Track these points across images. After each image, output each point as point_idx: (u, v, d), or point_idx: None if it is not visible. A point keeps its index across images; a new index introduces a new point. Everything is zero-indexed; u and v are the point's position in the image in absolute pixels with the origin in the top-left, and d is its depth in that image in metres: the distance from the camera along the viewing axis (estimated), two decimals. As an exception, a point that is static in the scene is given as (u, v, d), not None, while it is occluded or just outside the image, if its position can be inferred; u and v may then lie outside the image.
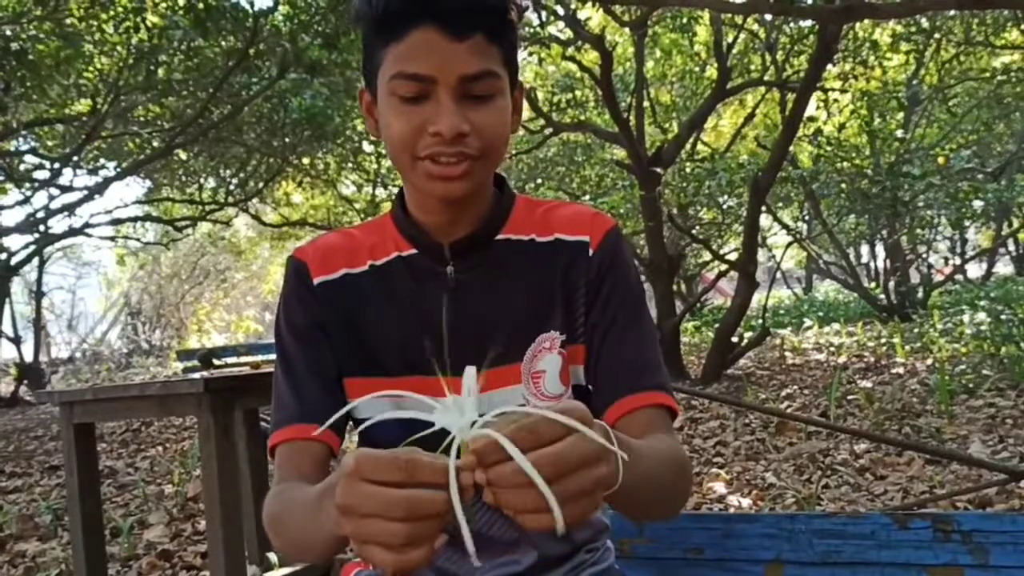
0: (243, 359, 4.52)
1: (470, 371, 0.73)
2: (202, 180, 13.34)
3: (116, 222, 13.59)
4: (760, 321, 8.33)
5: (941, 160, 10.92)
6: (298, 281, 1.12)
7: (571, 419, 0.68)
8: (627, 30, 8.80)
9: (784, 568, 1.14)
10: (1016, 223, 16.07)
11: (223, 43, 8.93)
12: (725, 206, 10.90)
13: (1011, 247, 19.06)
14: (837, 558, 1.10)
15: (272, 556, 3.07)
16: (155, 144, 10.42)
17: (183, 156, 11.94)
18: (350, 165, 13.47)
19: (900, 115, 12.78)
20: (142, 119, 10.69)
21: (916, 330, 9.72)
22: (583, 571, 1.13)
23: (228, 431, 2.43)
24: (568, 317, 1.10)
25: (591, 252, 1.11)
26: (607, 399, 1.06)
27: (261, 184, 12.87)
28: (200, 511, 4.30)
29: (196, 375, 2.77)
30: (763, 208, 7.97)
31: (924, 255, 15.11)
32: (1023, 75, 12.70)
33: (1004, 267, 20.37)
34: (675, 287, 10.98)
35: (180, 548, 3.80)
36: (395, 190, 14.42)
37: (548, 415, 0.68)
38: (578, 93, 11.21)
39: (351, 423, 1.14)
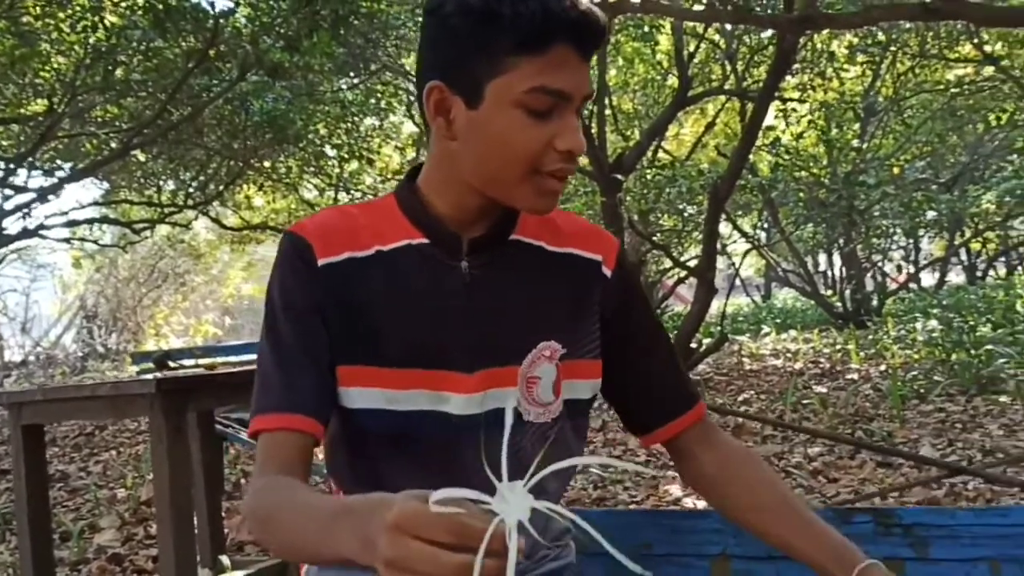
0: (200, 361, 4.48)
1: (518, 488, 0.68)
2: (161, 182, 13.17)
3: (72, 224, 13.34)
4: (719, 328, 8.40)
5: (896, 170, 11.12)
6: (299, 261, 1.07)
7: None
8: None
9: (731, 562, 1.16)
10: (968, 233, 16.38)
11: (183, 44, 8.84)
12: (686, 214, 11.00)
13: (963, 257, 19.42)
14: (782, 552, 1.12)
15: (224, 559, 3.03)
16: (113, 145, 10.28)
17: (141, 158, 11.78)
18: (312, 169, 13.38)
19: (856, 126, 12.99)
20: (99, 120, 10.54)
21: (871, 337, 9.88)
22: (545, 563, 1.15)
23: (180, 433, 2.40)
24: (575, 332, 1.12)
25: (607, 272, 1.15)
26: (662, 419, 1.17)
27: (221, 187, 12.73)
28: (153, 515, 4.25)
29: (149, 376, 2.74)
30: (722, 216, 8.05)
31: (879, 264, 15.36)
32: (976, 88, 12.97)
33: (956, 276, 20.75)
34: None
35: (131, 552, 3.75)
36: (358, 195, 14.32)
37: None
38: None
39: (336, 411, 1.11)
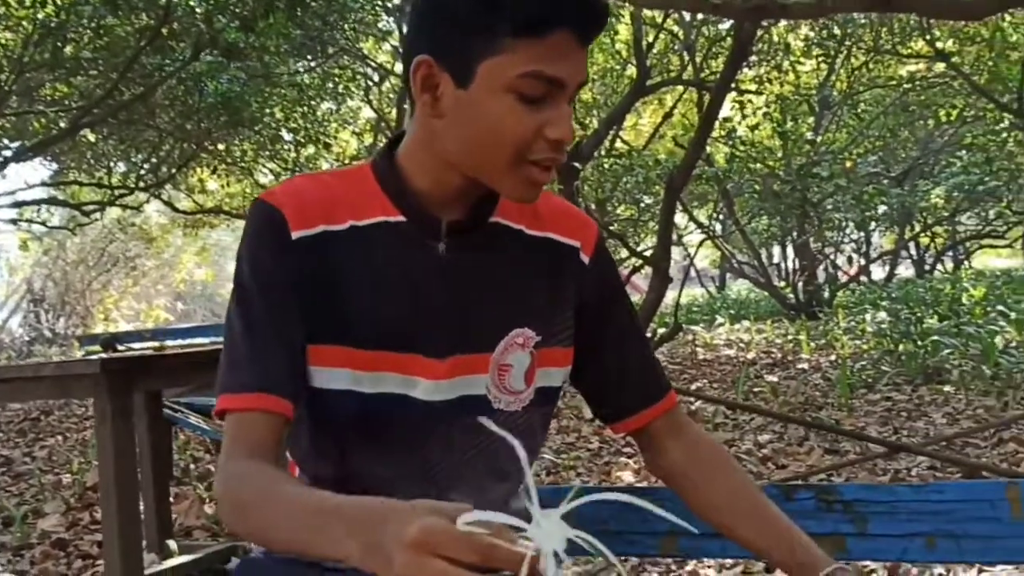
0: (148, 344, 4.41)
1: (554, 516, 0.63)
2: (112, 164, 12.93)
3: (19, 205, 13.07)
4: (673, 317, 8.48)
5: (849, 164, 11.29)
6: (272, 232, 1.01)
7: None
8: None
9: (678, 539, 1.17)
10: (917, 227, 16.70)
11: (135, 22, 8.67)
12: (642, 203, 11.08)
13: (912, 250, 19.81)
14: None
15: (172, 544, 3.00)
16: (62, 124, 10.06)
17: (92, 138, 11.55)
18: (267, 153, 13.22)
19: (811, 119, 13.17)
20: (48, 98, 10.31)
21: (821, 328, 10.04)
22: None
23: (126, 414, 2.36)
24: (549, 319, 1.09)
25: (585, 259, 1.12)
26: (633, 407, 1.15)
27: (174, 170, 12.53)
28: (99, 499, 4.18)
29: (94, 357, 2.70)
30: (678, 206, 8.11)
31: (831, 256, 15.60)
32: (927, 84, 13.21)
33: (905, 269, 21.15)
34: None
35: (76, 537, 3.68)
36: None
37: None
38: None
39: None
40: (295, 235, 1.00)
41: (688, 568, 2.71)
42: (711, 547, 1.21)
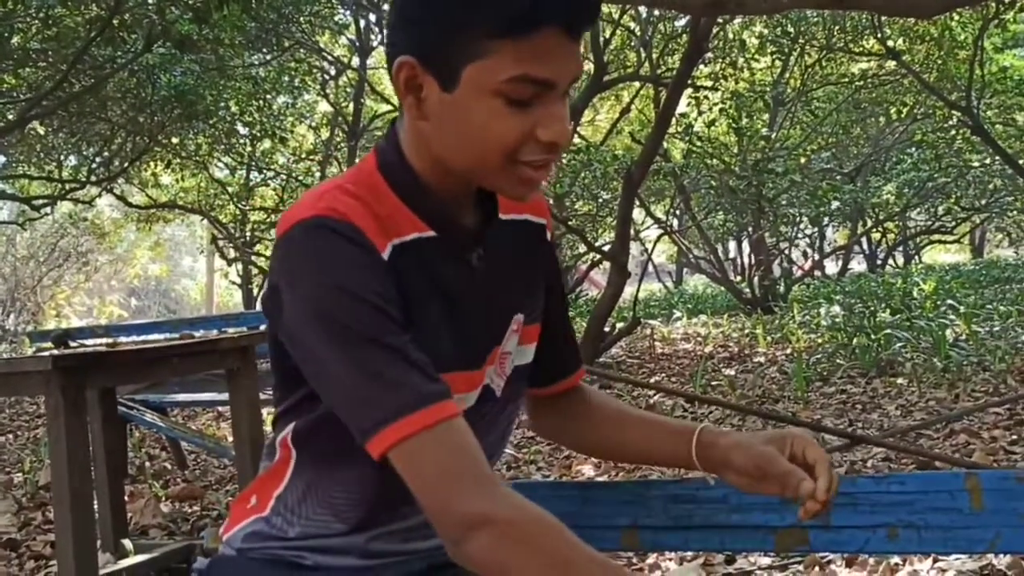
0: (101, 340, 4.31)
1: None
2: (62, 157, 12.67)
3: (-35, 199, 12.78)
4: (631, 312, 8.53)
5: (803, 160, 11.44)
6: (357, 247, 0.91)
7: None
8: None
9: (639, 533, 1.17)
10: (870, 223, 16.99)
11: (85, 12, 8.50)
12: (600, 199, 11.12)
13: (864, 246, 20.13)
14: (689, 522, 1.14)
15: (127, 543, 2.95)
16: (10, 116, 9.83)
17: (41, 131, 11.32)
18: (222, 147, 13.05)
19: (766, 116, 13.32)
20: (-4, 90, 10.08)
21: (777, 322, 10.16)
22: None
23: (79, 411, 2.32)
24: (531, 299, 1.11)
25: (548, 235, 1.15)
26: (559, 374, 1.19)
27: (126, 163, 12.31)
28: (51, 499, 4.10)
29: (45, 353, 2.64)
30: (636, 201, 8.16)
31: (786, 251, 15.79)
32: (879, 81, 13.44)
33: (858, 264, 21.50)
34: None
35: (28, 537, 3.61)
36: (270, 175, 13.98)
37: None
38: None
39: None
40: (384, 252, 0.93)
41: (649, 561, 2.73)
42: (671, 540, 1.21)
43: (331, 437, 0.97)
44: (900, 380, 5.64)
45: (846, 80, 13.67)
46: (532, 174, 0.93)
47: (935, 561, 2.38)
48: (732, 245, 21.50)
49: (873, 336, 6.70)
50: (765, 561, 2.60)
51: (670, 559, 2.73)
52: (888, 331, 6.76)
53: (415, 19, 0.92)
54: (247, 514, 1.07)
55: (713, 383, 6.27)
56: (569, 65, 0.90)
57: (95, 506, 2.63)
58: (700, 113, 10.80)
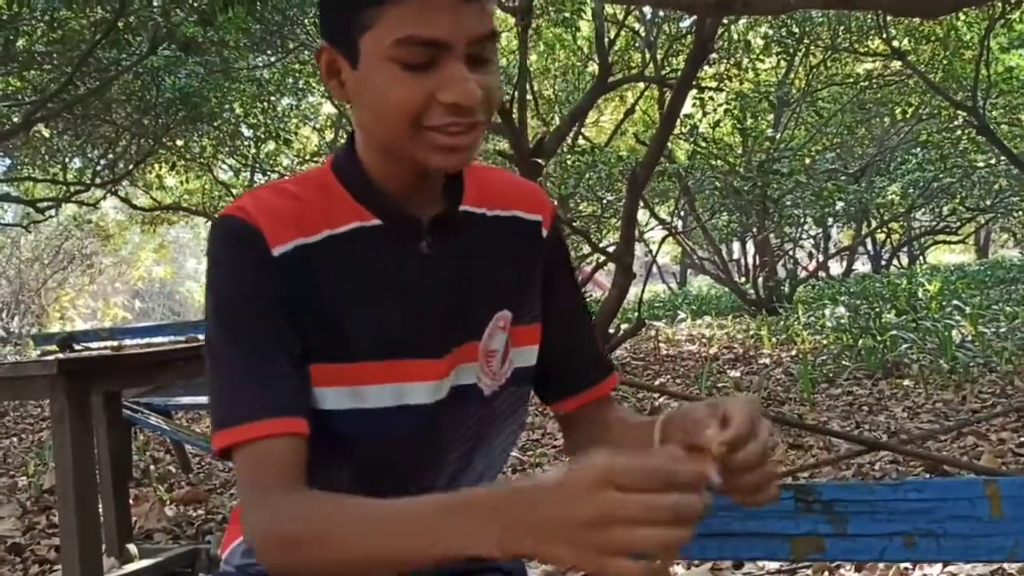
0: (106, 343, 4.31)
1: None
2: (67, 160, 12.69)
3: (-30, 201, 12.80)
4: (636, 314, 8.51)
5: (808, 160, 11.41)
6: (250, 249, 0.93)
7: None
8: (511, 21, 8.83)
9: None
10: (874, 223, 16.95)
11: (90, 15, 8.50)
12: (604, 201, 11.10)
13: (869, 246, 20.10)
14: (704, 530, 1.12)
15: (132, 547, 2.94)
16: (15, 119, 9.84)
17: (46, 133, 11.34)
18: (227, 149, 13.07)
19: (771, 116, 13.29)
20: (1, 92, 10.08)
21: (782, 323, 10.14)
22: None
23: (84, 415, 2.30)
24: (520, 298, 1.07)
25: (544, 232, 1.11)
26: (577, 386, 1.13)
27: (131, 166, 12.33)
28: (56, 502, 4.10)
29: (51, 357, 2.63)
30: (640, 202, 8.14)
31: (791, 252, 15.77)
32: (884, 82, 13.40)
33: (862, 265, 21.47)
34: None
35: (33, 542, 3.60)
36: (275, 176, 14.05)
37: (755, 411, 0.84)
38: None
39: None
40: (276, 251, 0.94)
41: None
42: (686, 548, 1.19)
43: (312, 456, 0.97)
44: (906, 382, 5.62)
45: (851, 80, 13.63)
46: (446, 140, 0.90)
47: (945, 565, 2.36)
48: (736, 246, 21.50)
49: (879, 337, 6.67)
50: (774, 565, 2.58)
51: (676, 563, 2.71)
52: (894, 332, 6.73)
53: (322, 4, 0.96)
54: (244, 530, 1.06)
55: (719, 385, 6.25)
56: (463, 24, 0.88)
57: (100, 510, 2.63)
58: (705, 114, 10.78)
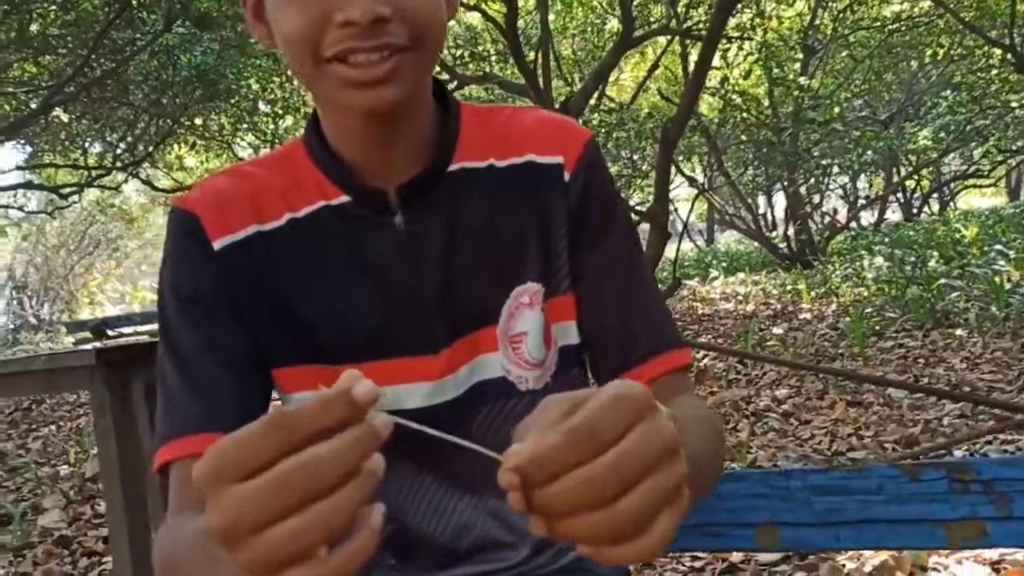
0: (141, 328, 4.23)
1: None
2: (87, 144, 12.63)
3: (-6, 191, 12.79)
4: (671, 274, 8.35)
5: (836, 110, 11.13)
6: (189, 242, 0.84)
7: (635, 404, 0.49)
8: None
9: (779, 530, 1.02)
10: (904, 171, 16.59)
11: (102, -6, 8.38)
12: (632, 159, 10.90)
13: (899, 194, 19.72)
14: (840, 517, 0.99)
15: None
16: (32, 105, 9.77)
17: (64, 118, 11.26)
18: (245, 125, 12.95)
19: (797, 65, 12.98)
20: (17, 79, 10.00)
21: (819, 276, 9.93)
22: (568, 551, 0.97)
23: (126, 405, 2.20)
24: (548, 263, 0.88)
25: (567, 176, 0.89)
26: (623, 363, 0.88)
27: (151, 147, 12.25)
28: (100, 492, 4.03)
29: (88, 346, 2.52)
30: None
31: (821, 203, 15.47)
32: (912, 23, 13.02)
33: (892, 213, 21.09)
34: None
35: (79, 533, 3.54)
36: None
37: (603, 404, 0.48)
38: (479, 47, 11.00)
39: None
40: (217, 244, 0.84)
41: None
42: (818, 538, 1.05)
43: None
44: (959, 331, 5.44)
45: (878, 24, 13.26)
46: (354, 74, 0.76)
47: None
48: (761, 200, 21.16)
49: (927, 287, 6.48)
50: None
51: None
52: (943, 281, 6.54)
53: None
54: None
55: (764, 343, 6.09)
56: None
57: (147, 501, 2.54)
58: (729, 65, 10.50)
